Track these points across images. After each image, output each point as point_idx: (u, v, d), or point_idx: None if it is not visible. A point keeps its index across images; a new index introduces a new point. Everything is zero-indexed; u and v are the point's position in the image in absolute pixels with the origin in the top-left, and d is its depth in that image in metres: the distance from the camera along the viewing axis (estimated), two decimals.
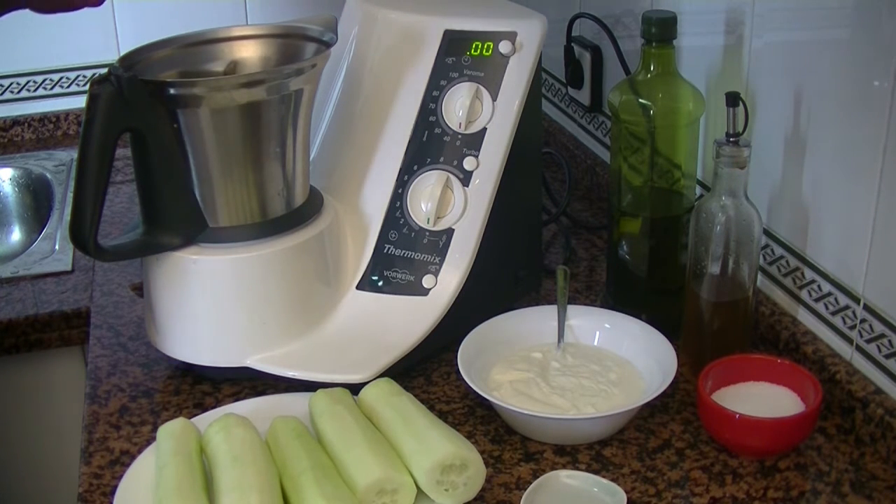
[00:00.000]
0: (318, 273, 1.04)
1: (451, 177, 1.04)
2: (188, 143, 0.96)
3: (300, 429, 0.91)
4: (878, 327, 0.93)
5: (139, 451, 0.93)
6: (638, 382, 0.98)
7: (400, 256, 1.05)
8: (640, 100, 1.03)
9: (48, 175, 1.60)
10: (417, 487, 0.84)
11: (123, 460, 0.93)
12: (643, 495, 0.88)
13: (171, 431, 0.90)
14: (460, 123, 1.03)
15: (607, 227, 1.13)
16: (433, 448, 0.84)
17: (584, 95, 1.45)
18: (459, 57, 1.04)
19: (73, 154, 1.64)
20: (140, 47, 1.00)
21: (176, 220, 0.99)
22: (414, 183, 1.05)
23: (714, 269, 0.99)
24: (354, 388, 0.96)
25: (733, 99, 0.94)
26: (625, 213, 1.08)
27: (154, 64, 1.00)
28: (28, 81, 1.74)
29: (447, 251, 1.04)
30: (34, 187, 1.62)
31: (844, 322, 0.97)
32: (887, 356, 0.92)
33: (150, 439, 0.94)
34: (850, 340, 0.97)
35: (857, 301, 0.95)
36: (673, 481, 0.89)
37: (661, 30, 1.01)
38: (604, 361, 1.01)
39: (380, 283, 1.05)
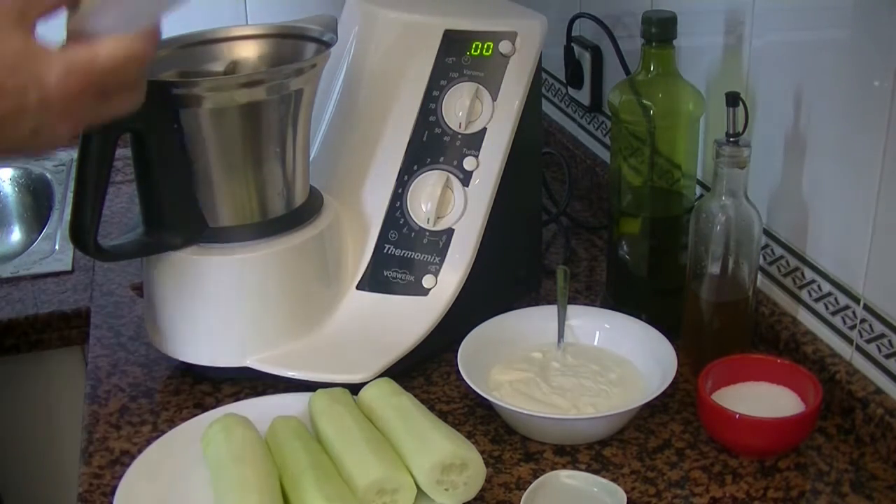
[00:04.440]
0: (318, 273, 1.04)
1: (451, 177, 1.04)
2: (188, 143, 0.96)
3: (300, 429, 0.91)
4: (878, 327, 0.93)
5: (139, 451, 0.93)
6: (638, 382, 0.98)
7: (400, 256, 1.05)
8: (641, 100, 1.03)
9: (48, 175, 1.60)
10: (417, 487, 0.84)
11: (123, 460, 0.93)
12: (643, 495, 0.88)
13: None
14: (460, 123, 1.03)
15: (607, 227, 1.13)
16: (433, 448, 0.84)
17: (584, 95, 1.45)
18: (459, 57, 1.04)
19: (73, 154, 1.63)
20: None
21: (176, 220, 0.99)
22: (414, 183, 1.05)
23: (714, 269, 0.99)
24: (354, 388, 0.96)
25: (733, 99, 0.94)
26: (625, 213, 1.09)
27: (154, 64, 0.99)
28: None
29: (447, 251, 1.04)
30: (34, 187, 1.62)
31: (844, 322, 0.97)
32: (887, 356, 0.92)
33: (150, 439, 0.94)
34: (850, 340, 0.97)
35: (857, 301, 0.95)
36: (673, 481, 0.89)
37: (661, 30, 1.01)
38: (604, 361, 1.01)
39: (380, 283, 1.05)
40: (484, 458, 0.87)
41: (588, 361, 1.01)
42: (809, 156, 0.99)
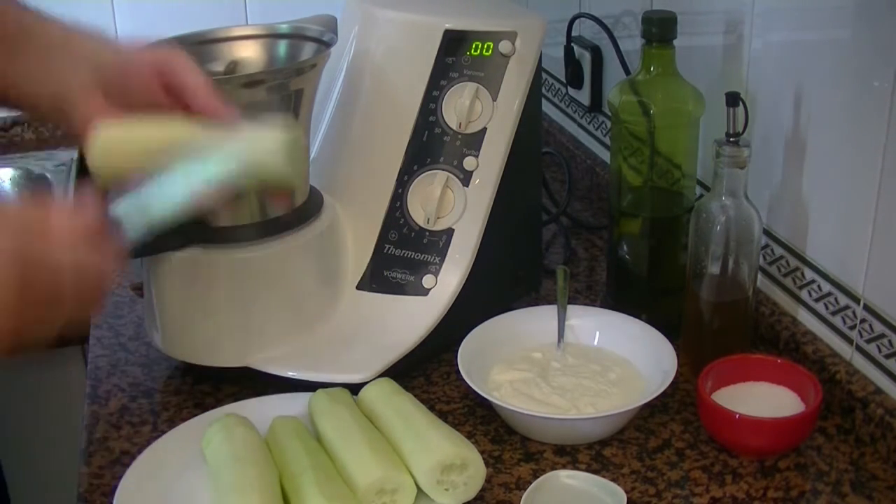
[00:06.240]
0: (318, 273, 1.04)
1: (451, 177, 1.04)
2: None
3: (300, 429, 0.91)
4: (878, 327, 0.93)
5: (139, 451, 0.92)
6: (638, 382, 0.98)
7: (400, 256, 1.05)
8: (640, 100, 1.03)
9: (48, 175, 1.60)
10: (417, 487, 0.84)
11: (123, 460, 0.93)
12: (643, 495, 0.88)
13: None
14: (460, 123, 1.03)
15: (607, 227, 1.13)
16: (433, 448, 0.84)
17: (584, 95, 1.45)
18: (459, 57, 1.04)
19: (73, 154, 1.64)
20: None
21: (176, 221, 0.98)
22: (414, 183, 1.05)
23: (714, 269, 0.99)
24: (354, 388, 0.96)
25: (733, 99, 0.94)
26: (625, 213, 1.08)
27: None
28: None
29: (447, 251, 1.04)
30: (34, 187, 1.62)
31: (844, 322, 0.97)
32: (887, 356, 0.92)
33: (151, 439, 0.94)
34: (850, 340, 0.97)
35: (857, 301, 0.95)
36: (673, 481, 0.89)
37: (662, 30, 1.01)
38: (604, 361, 1.01)
39: (380, 284, 1.05)
40: (484, 458, 0.87)
41: (588, 361, 1.01)
42: (809, 156, 0.99)
